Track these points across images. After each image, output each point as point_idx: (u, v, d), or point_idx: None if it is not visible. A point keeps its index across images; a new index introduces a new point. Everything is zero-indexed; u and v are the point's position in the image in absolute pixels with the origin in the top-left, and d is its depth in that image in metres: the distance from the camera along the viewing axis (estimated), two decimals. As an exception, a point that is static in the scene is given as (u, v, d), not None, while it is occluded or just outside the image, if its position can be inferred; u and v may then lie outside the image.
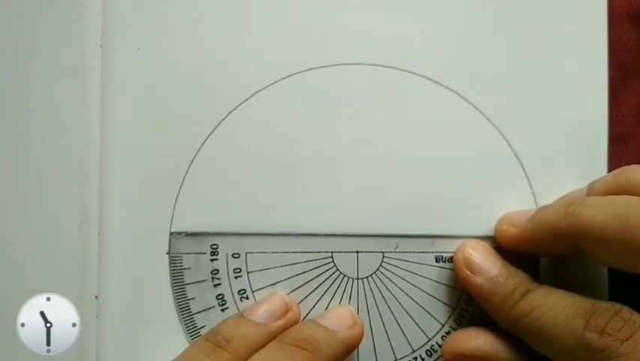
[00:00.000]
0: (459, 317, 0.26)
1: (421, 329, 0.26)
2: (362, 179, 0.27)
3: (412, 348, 0.26)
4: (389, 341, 0.26)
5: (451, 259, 0.26)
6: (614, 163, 0.27)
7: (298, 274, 0.26)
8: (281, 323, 0.25)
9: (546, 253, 0.25)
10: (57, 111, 0.26)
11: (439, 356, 0.26)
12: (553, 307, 0.23)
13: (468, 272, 0.25)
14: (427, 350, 0.26)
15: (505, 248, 0.26)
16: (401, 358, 0.26)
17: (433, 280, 0.26)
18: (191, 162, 0.26)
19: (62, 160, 0.26)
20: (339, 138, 0.27)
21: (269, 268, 0.26)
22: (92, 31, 0.26)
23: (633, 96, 0.28)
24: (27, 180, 0.26)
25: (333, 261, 0.27)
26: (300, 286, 0.26)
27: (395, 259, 0.27)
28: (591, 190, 0.24)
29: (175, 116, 0.27)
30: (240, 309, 0.26)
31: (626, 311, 0.22)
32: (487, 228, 0.26)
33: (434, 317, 0.26)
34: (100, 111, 0.27)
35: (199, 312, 0.26)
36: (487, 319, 0.25)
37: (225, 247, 0.26)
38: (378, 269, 0.27)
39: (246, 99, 0.27)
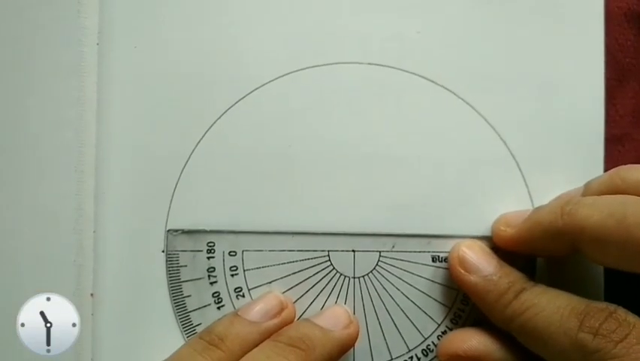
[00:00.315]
0: (455, 317, 0.26)
1: (417, 329, 0.26)
2: (358, 178, 0.27)
3: (408, 348, 0.26)
4: (385, 340, 0.26)
5: (447, 259, 0.26)
6: (610, 163, 0.27)
7: (294, 273, 0.26)
8: (275, 321, 0.24)
9: (543, 253, 0.25)
10: (53, 109, 0.26)
11: (435, 356, 0.26)
12: (548, 307, 0.22)
13: (462, 271, 0.25)
14: (423, 349, 0.26)
15: (501, 248, 0.26)
16: (397, 357, 0.26)
17: (429, 280, 0.26)
18: (188, 160, 0.26)
19: (58, 158, 0.26)
20: (335, 137, 0.27)
21: (265, 267, 0.26)
22: (88, 30, 0.26)
23: (630, 96, 0.28)
24: (23, 178, 0.26)
25: (329, 260, 0.26)
26: (296, 285, 0.26)
27: (391, 258, 0.26)
28: (587, 190, 0.24)
29: (171, 114, 0.27)
30: (236, 307, 0.26)
31: (621, 312, 0.21)
32: (483, 228, 0.26)
33: (430, 317, 0.26)
34: (96, 109, 0.26)
35: (195, 310, 0.26)
36: (484, 319, 0.25)
37: (222, 245, 0.26)
38: (374, 268, 0.26)
39: (242, 98, 0.27)
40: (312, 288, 0.26)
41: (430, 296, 0.26)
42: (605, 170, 0.27)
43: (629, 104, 0.28)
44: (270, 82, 0.27)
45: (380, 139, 0.27)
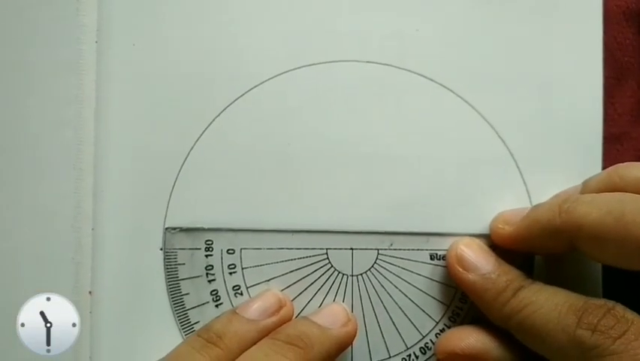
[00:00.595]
0: (453, 315, 0.26)
1: (415, 327, 0.26)
2: (357, 176, 0.27)
3: (406, 345, 0.26)
4: (383, 338, 0.26)
5: (445, 257, 0.26)
6: (609, 162, 0.27)
7: (293, 271, 0.26)
8: (274, 319, 0.25)
9: (541, 250, 0.25)
10: (52, 107, 0.26)
11: (433, 354, 0.26)
12: (546, 304, 0.22)
13: (460, 269, 0.25)
14: (421, 347, 0.26)
15: (500, 246, 0.26)
16: (395, 355, 0.26)
17: (427, 278, 0.26)
18: (186, 158, 0.26)
19: (57, 156, 0.26)
20: (334, 135, 0.27)
21: (263, 265, 0.26)
22: (87, 27, 0.27)
23: (629, 95, 0.28)
24: (22, 176, 0.26)
25: (327, 258, 0.27)
26: (294, 283, 0.26)
27: (390, 256, 0.27)
28: (585, 188, 0.24)
29: (170, 111, 0.27)
30: (235, 305, 0.26)
31: (619, 309, 0.21)
32: (481, 226, 0.26)
33: (428, 315, 0.26)
34: (95, 107, 0.27)
35: (193, 308, 0.26)
36: (482, 317, 0.25)
37: (220, 243, 0.26)
38: (372, 266, 0.27)
39: (241, 96, 0.27)
40: (310, 286, 0.26)
41: (428, 294, 0.26)
42: (604, 169, 0.26)
43: (627, 103, 0.28)
44: (268, 80, 0.27)
45: (379, 137, 0.27)
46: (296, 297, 0.26)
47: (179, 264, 0.26)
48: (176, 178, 0.26)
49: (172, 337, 0.26)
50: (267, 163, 0.27)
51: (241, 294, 0.26)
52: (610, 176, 0.24)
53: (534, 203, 0.26)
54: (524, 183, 0.27)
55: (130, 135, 0.27)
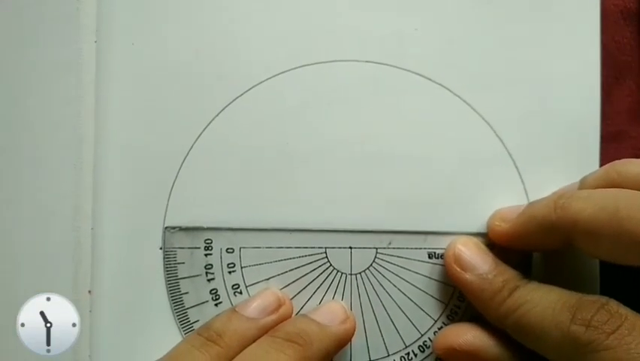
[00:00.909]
0: (451, 313, 0.27)
1: (414, 325, 0.27)
2: (355, 175, 0.27)
3: (405, 344, 0.27)
4: (382, 336, 0.27)
5: (443, 256, 0.26)
6: (607, 161, 0.27)
7: (292, 270, 0.27)
8: (273, 317, 0.25)
9: (537, 247, 0.26)
10: (52, 106, 0.27)
11: (432, 352, 0.27)
12: (540, 302, 0.23)
13: (458, 268, 0.25)
14: (420, 345, 0.27)
15: (497, 244, 0.26)
16: (394, 353, 0.27)
17: (425, 277, 0.27)
18: (186, 157, 0.27)
19: (56, 154, 0.27)
20: (333, 135, 0.27)
21: (263, 263, 0.27)
22: (86, 27, 0.27)
23: (626, 94, 0.28)
24: (21, 175, 0.27)
25: (326, 256, 0.27)
26: (293, 282, 0.27)
27: (388, 255, 0.27)
28: (583, 184, 0.25)
29: (169, 111, 0.27)
30: (234, 304, 0.26)
31: (613, 304, 0.22)
32: (479, 224, 0.27)
33: (427, 313, 0.27)
34: (94, 106, 0.27)
35: (192, 306, 0.27)
36: (480, 315, 0.25)
37: (219, 242, 0.27)
38: (371, 265, 0.27)
39: (240, 95, 0.27)
40: (309, 285, 0.27)
41: (426, 293, 0.27)
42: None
43: (625, 102, 0.28)
44: (267, 79, 0.27)
45: (377, 137, 0.27)
46: (295, 296, 0.27)
47: (178, 263, 0.27)
48: (176, 177, 0.27)
49: (171, 336, 0.26)
50: (266, 162, 0.27)
51: (240, 293, 0.27)
52: (607, 172, 0.24)
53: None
54: (522, 181, 0.27)
55: (129, 135, 0.27)
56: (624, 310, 0.22)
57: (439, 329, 0.27)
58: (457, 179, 0.27)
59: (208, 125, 0.27)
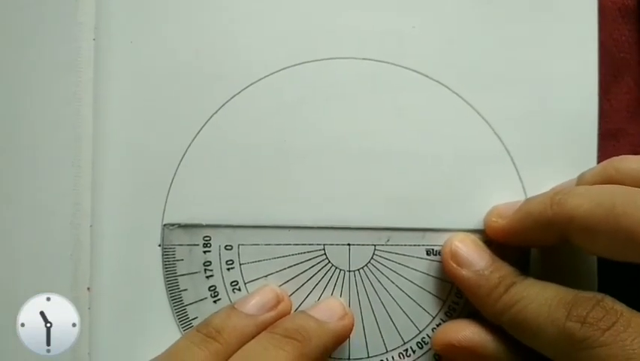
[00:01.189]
0: (449, 310, 0.27)
1: (412, 321, 0.27)
2: (354, 172, 0.27)
3: (403, 340, 0.27)
4: (380, 333, 0.27)
5: (441, 253, 0.27)
6: (605, 158, 0.26)
7: (290, 266, 0.27)
8: (272, 314, 0.25)
9: (534, 243, 0.26)
10: (50, 104, 0.27)
11: (430, 348, 0.27)
12: (536, 299, 0.23)
13: (454, 265, 0.25)
14: (418, 342, 0.27)
15: (494, 240, 0.26)
16: (392, 350, 0.27)
17: (423, 273, 0.27)
18: (184, 155, 0.27)
19: (55, 152, 0.27)
20: (331, 132, 0.27)
21: (261, 260, 0.27)
22: (85, 25, 0.27)
23: (624, 91, 0.28)
24: (20, 173, 0.27)
25: (325, 253, 0.27)
26: (292, 278, 0.27)
27: (386, 252, 0.27)
28: (581, 181, 0.25)
29: (167, 109, 0.27)
30: (232, 301, 0.27)
31: (608, 301, 0.22)
32: (477, 221, 0.27)
33: (425, 310, 0.27)
34: (93, 104, 0.27)
35: (191, 303, 0.27)
36: (478, 312, 0.26)
37: (218, 239, 0.27)
38: (369, 262, 0.27)
39: (238, 92, 0.27)
40: (307, 281, 0.27)
41: (424, 289, 0.27)
42: None
43: (623, 100, 0.28)
44: (265, 77, 0.27)
45: (375, 134, 0.27)
46: (293, 292, 0.27)
47: (177, 260, 0.27)
48: (174, 175, 0.27)
49: (170, 332, 0.27)
50: (265, 160, 0.27)
51: (239, 290, 0.27)
52: (605, 169, 0.24)
53: None
54: (520, 179, 0.27)
55: (128, 132, 0.27)
56: (620, 307, 0.22)
57: (437, 325, 0.27)
58: (455, 176, 0.27)
59: (206, 122, 0.27)
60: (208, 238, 0.27)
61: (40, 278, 0.27)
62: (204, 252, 0.27)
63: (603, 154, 0.27)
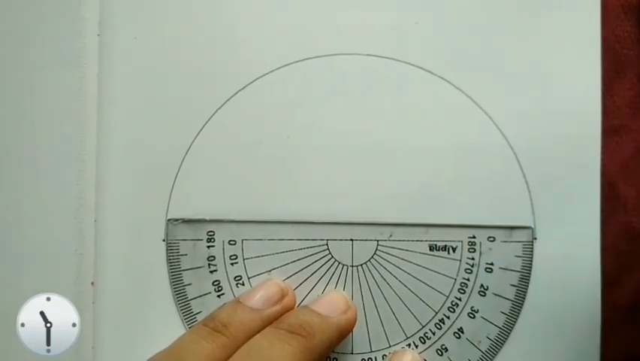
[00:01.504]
0: (452, 305, 0.27)
1: (415, 317, 0.27)
2: (357, 168, 0.28)
3: (406, 335, 0.27)
4: (383, 327, 0.27)
5: (444, 248, 0.27)
6: (608, 154, 0.28)
7: (293, 261, 0.27)
8: (277, 308, 0.26)
9: None
10: (55, 100, 0.27)
11: (433, 343, 0.27)
12: None
13: None
14: (421, 337, 0.27)
15: None
16: (395, 344, 0.27)
17: (426, 269, 0.27)
18: (188, 150, 0.27)
19: (60, 148, 0.27)
20: (334, 128, 0.28)
21: (264, 255, 0.27)
22: (89, 21, 0.27)
23: (627, 88, 0.28)
24: (24, 168, 0.27)
25: (328, 248, 0.28)
26: (295, 273, 0.27)
27: (389, 247, 0.27)
28: None
29: (171, 104, 0.28)
30: (236, 295, 0.27)
31: None
32: (479, 217, 0.27)
33: (428, 305, 0.27)
34: (97, 100, 0.27)
35: (195, 298, 0.27)
36: (480, 307, 0.26)
37: (222, 234, 0.27)
38: (372, 257, 0.28)
39: (242, 88, 0.28)
40: (310, 276, 0.27)
41: (427, 285, 0.27)
42: (603, 161, 0.27)
43: (626, 96, 0.28)
44: (269, 73, 0.28)
45: (379, 130, 0.28)
46: (296, 288, 0.27)
47: (181, 255, 0.27)
48: (178, 170, 0.27)
49: (174, 327, 0.27)
50: (268, 155, 0.27)
51: (243, 284, 0.27)
52: None
53: (533, 195, 0.27)
54: (523, 174, 0.28)
55: (132, 128, 0.27)
56: None
57: (440, 320, 0.27)
58: (457, 172, 0.28)
59: (210, 118, 0.28)
60: (212, 233, 0.28)
61: (44, 273, 0.27)
62: (208, 247, 0.28)
63: (606, 150, 0.28)
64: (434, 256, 0.28)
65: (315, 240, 0.28)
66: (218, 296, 0.27)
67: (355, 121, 0.28)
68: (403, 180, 0.28)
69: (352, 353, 0.27)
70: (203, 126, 0.28)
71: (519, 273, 0.27)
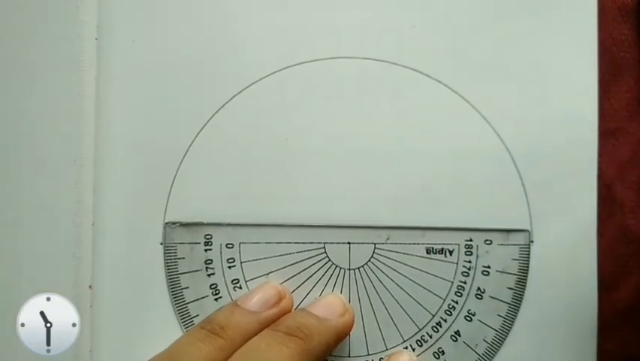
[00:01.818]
0: (449, 308, 0.28)
1: (412, 320, 0.28)
2: (354, 171, 0.28)
3: (403, 338, 0.28)
4: (380, 330, 0.28)
5: (441, 251, 0.28)
6: (605, 157, 0.28)
7: (291, 265, 0.28)
8: (275, 311, 0.26)
9: None
10: (53, 103, 0.28)
11: (430, 346, 0.28)
12: None
13: None
14: (418, 340, 0.28)
15: None
16: (392, 347, 0.28)
17: (423, 272, 0.28)
18: (186, 153, 0.28)
19: (57, 151, 0.27)
20: (331, 131, 0.28)
21: (262, 259, 0.28)
22: (87, 24, 0.28)
23: (624, 90, 0.28)
24: (22, 170, 0.28)
25: (325, 252, 0.28)
26: (292, 277, 0.28)
27: (386, 250, 0.28)
28: None
29: (169, 107, 0.28)
30: (234, 299, 0.27)
31: None
32: (476, 220, 0.28)
33: (425, 308, 0.28)
34: (95, 103, 0.28)
35: (193, 301, 0.28)
36: (475, 310, 0.27)
37: (219, 238, 0.28)
38: (369, 260, 0.28)
39: (240, 91, 0.28)
40: (308, 280, 0.28)
41: (424, 288, 0.28)
42: (600, 163, 0.28)
43: (623, 98, 0.28)
44: (267, 76, 0.28)
45: (376, 133, 0.28)
46: (294, 291, 0.28)
47: (178, 258, 0.28)
48: (176, 173, 0.28)
49: (172, 330, 0.27)
50: (266, 158, 0.28)
51: (240, 288, 0.28)
52: None
53: (530, 198, 0.28)
54: (520, 177, 0.28)
55: (130, 131, 0.28)
56: None
57: (437, 323, 0.28)
58: (455, 175, 0.28)
59: (208, 121, 0.28)
60: (209, 237, 0.28)
61: (42, 276, 0.27)
62: (205, 250, 0.28)
63: (603, 153, 0.28)
64: (431, 259, 0.28)
65: (313, 243, 0.28)
66: (216, 299, 0.28)
67: (353, 124, 0.28)
68: (401, 183, 0.28)
69: (349, 356, 0.28)
70: (201, 129, 0.28)
71: (516, 276, 0.28)
